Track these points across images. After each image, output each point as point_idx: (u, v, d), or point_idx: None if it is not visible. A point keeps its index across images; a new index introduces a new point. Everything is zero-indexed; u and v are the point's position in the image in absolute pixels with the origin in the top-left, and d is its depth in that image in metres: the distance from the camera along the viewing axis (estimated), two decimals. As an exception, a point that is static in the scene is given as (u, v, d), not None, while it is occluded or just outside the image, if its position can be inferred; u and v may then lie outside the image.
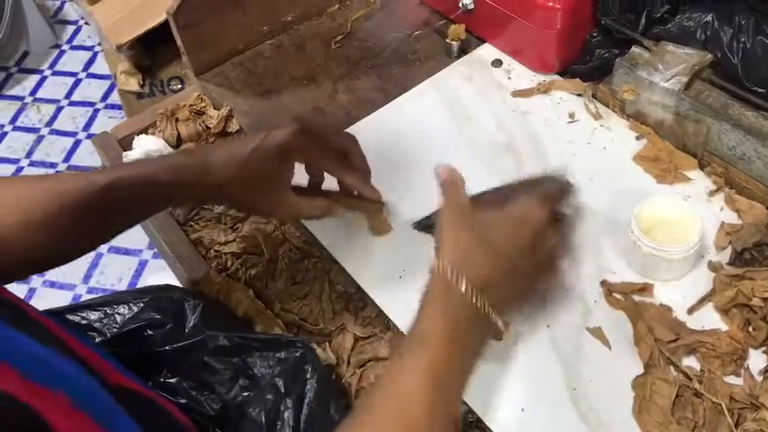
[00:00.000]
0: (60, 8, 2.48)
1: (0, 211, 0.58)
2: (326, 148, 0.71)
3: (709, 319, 0.69)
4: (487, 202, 0.59)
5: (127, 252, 1.84)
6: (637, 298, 0.71)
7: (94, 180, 0.62)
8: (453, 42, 0.97)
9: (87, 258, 1.83)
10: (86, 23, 2.38)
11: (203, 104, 0.97)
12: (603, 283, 0.73)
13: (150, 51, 1.59)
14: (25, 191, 0.61)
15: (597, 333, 0.69)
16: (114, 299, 0.74)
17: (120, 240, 1.84)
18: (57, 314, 0.70)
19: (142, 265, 1.82)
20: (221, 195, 0.71)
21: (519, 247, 0.56)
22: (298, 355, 0.70)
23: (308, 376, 0.67)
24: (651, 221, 0.72)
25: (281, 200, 0.70)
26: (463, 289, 0.52)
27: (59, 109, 2.19)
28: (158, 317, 0.71)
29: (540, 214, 0.57)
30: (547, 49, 0.91)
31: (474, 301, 0.52)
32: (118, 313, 0.72)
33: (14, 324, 0.45)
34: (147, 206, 0.69)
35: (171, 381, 0.69)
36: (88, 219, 0.62)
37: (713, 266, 0.73)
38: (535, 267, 0.58)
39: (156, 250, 1.83)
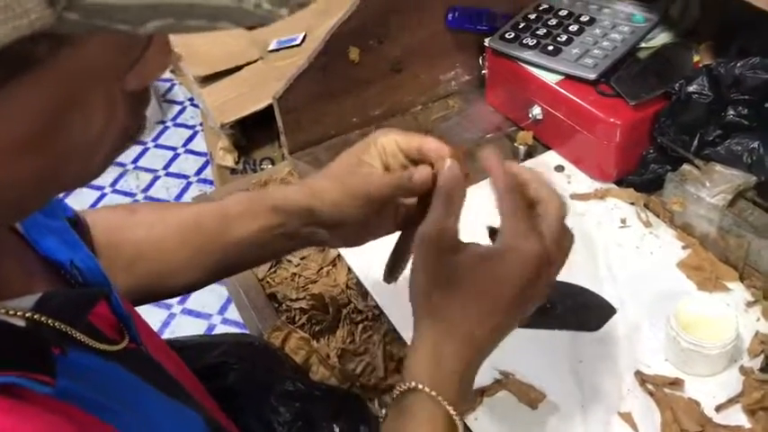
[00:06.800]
0: (170, 89, 2.73)
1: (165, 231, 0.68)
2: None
3: (736, 419, 0.74)
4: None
5: (198, 315, 1.96)
6: (668, 390, 0.76)
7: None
8: (521, 146, 1.08)
9: (160, 317, 1.96)
10: (192, 105, 2.62)
11: (292, 178, 1.09)
12: (638, 373, 0.78)
13: (247, 133, 1.76)
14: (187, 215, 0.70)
15: (627, 417, 0.74)
16: (200, 339, 0.84)
17: (193, 303, 1.98)
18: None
19: (211, 328, 1.93)
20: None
21: (510, 303, 0.54)
22: (352, 405, 0.77)
23: (361, 426, 0.74)
24: (690, 319, 0.78)
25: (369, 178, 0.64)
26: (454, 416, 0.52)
27: (156, 178, 2.39)
28: (235, 358, 0.80)
29: (535, 251, 0.53)
30: (606, 159, 1.00)
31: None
32: (202, 352, 0.81)
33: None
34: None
35: (240, 417, 0.77)
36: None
37: (744, 371, 0.77)
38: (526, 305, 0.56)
39: (225, 315, 1.95)
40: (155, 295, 0.70)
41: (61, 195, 0.48)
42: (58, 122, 0.33)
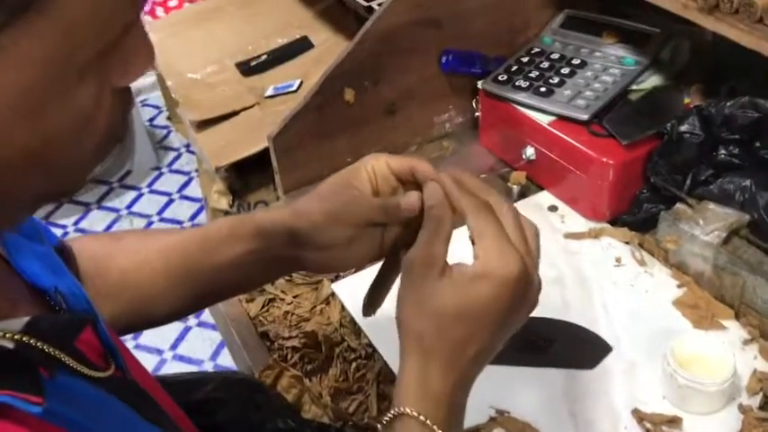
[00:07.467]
0: (166, 136, 2.75)
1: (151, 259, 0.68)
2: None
3: (736, 457, 0.72)
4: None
5: (190, 361, 1.93)
6: (666, 429, 0.75)
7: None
8: (514, 186, 1.08)
9: (152, 361, 1.93)
10: (187, 151, 2.63)
11: (286, 218, 1.09)
12: (635, 411, 0.77)
13: (242, 177, 1.77)
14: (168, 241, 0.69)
15: (625, 457, 0.73)
16: (190, 376, 0.83)
17: (184, 349, 1.96)
18: None
19: (201, 374, 1.90)
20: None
21: (494, 325, 0.53)
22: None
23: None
24: (686, 357, 0.77)
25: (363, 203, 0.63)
26: None
27: (150, 223, 2.38)
28: (226, 395, 0.79)
29: (515, 272, 0.52)
30: (599, 199, 1.01)
31: None
32: (192, 388, 0.80)
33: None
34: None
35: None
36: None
37: (743, 409, 0.76)
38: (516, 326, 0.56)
39: (217, 362, 1.92)
40: (140, 323, 0.69)
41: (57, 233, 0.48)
42: (53, 82, 0.34)
